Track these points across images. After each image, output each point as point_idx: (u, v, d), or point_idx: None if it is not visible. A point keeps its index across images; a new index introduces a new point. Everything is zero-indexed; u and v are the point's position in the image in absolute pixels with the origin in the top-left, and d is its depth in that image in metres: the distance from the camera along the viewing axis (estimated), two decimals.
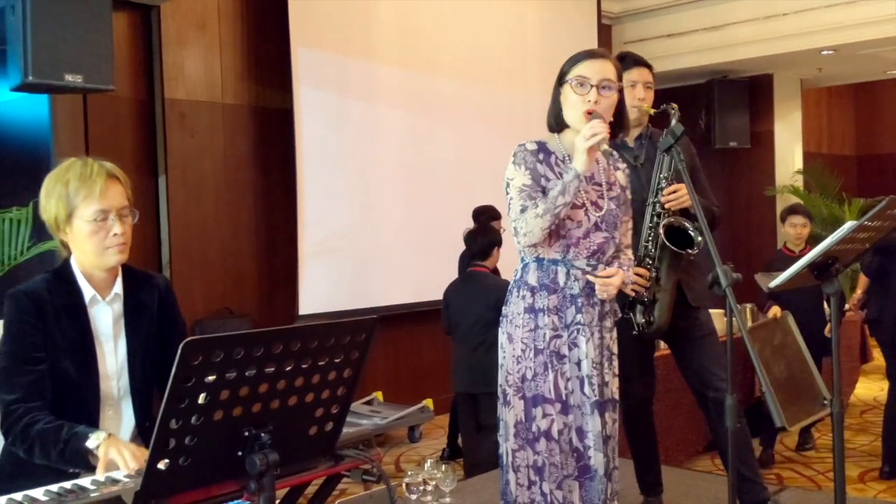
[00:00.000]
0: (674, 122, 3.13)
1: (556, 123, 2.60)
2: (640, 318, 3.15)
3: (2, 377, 2.10)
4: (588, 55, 2.56)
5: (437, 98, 6.26)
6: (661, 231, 3.09)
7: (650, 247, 3.15)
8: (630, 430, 3.41)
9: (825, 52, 7.79)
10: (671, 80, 8.33)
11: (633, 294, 3.08)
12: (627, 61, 3.26)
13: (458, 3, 6.43)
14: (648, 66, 3.33)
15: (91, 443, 1.98)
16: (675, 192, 3.11)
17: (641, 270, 3.10)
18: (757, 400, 4.96)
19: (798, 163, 9.20)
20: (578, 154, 2.44)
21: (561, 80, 2.57)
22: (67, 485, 1.76)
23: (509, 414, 2.54)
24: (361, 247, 5.81)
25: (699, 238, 3.05)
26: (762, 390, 2.09)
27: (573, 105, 2.52)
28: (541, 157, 2.55)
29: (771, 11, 7.55)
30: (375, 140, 5.91)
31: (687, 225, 3.09)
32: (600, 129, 2.42)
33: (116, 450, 1.95)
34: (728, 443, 2.42)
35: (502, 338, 2.59)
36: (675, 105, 3.20)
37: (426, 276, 6.12)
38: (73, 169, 2.18)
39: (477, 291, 4.40)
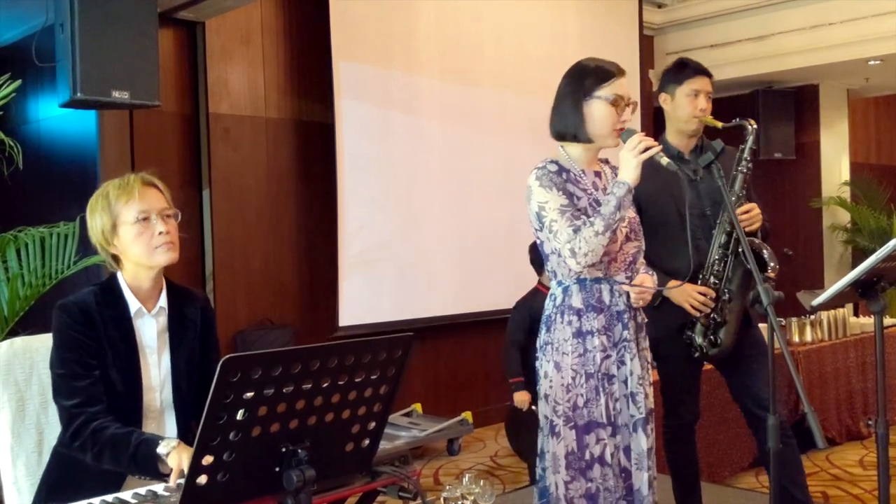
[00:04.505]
0: (750, 139, 3.09)
1: (576, 135, 2.54)
2: (700, 340, 3.08)
3: (61, 383, 2.15)
4: (618, 71, 2.53)
5: (478, 109, 6.27)
6: (741, 253, 2.98)
7: (718, 267, 3.08)
8: (673, 452, 3.34)
9: (872, 62, 7.66)
10: (715, 91, 8.23)
11: (696, 314, 3.06)
12: (688, 69, 3.21)
13: (499, 15, 6.44)
14: (709, 75, 3.25)
15: (162, 449, 2.02)
16: (747, 212, 3.05)
17: (707, 290, 3.06)
18: (803, 415, 4.87)
19: (845, 174, 9.04)
20: (629, 168, 2.42)
21: (586, 94, 2.51)
22: (109, 498, 1.80)
23: (558, 446, 2.48)
24: (402, 258, 5.83)
25: (773, 263, 3.01)
26: (804, 410, 2.05)
27: (603, 121, 2.49)
28: (563, 176, 2.52)
29: (817, 21, 7.45)
30: (416, 151, 5.94)
31: (765, 249, 3.03)
32: (651, 141, 2.42)
33: (188, 457, 1.96)
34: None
35: (547, 367, 2.52)
36: (752, 121, 3.14)
37: (467, 288, 6.12)
38: (112, 183, 2.27)
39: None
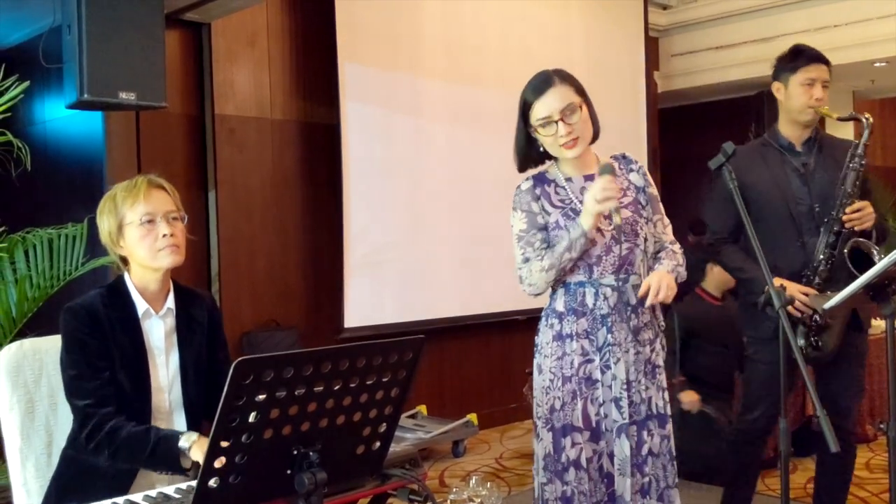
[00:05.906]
0: (865, 134, 2.95)
1: (534, 159, 2.59)
2: (801, 342, 2.91)
3: (73, 384, 2.16)
4: (535, 92, 2.51)
5: (483, 111, 6.26)
6: (846, 254, 2.88)
7: (824, 268, 2.95)
8: (740, 458, 3.21)
9: (878, 64, 7.65)
10: (720, 93, 8.24)
11: (798, 315, 2.91)
12: (803, 57, 3.08)
13: (504, 17, 6.44)
14: (826, 63, 3.11)
15: (183, 443, 2.05)
16: (858, 210, 2.93)
17: (811, 291, 2.92)
18: (808, 419, 4.87)
19: None
20: (588, 216, 2.38)
21: (525, 120, 2.53)
22: (120, 500, 1.79)
23: (539, 447, 2.51)
24: (407, 260, 5.83)
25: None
26: (816, 414, 2.04)
27: (550, 144, 2.50)
28: (537, 191, 2.54)
29: (822, 23, 7.44)
30: (421, 154, 5.93)
31: (874, 250, 2.89)
32: (614, 192, 2.35)
33: None
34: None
35: (534, 369, 2.56)
36: (868, 115, 2.98)
37: (472, 290, 6.11)
38: (120, 185, 2.28)
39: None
